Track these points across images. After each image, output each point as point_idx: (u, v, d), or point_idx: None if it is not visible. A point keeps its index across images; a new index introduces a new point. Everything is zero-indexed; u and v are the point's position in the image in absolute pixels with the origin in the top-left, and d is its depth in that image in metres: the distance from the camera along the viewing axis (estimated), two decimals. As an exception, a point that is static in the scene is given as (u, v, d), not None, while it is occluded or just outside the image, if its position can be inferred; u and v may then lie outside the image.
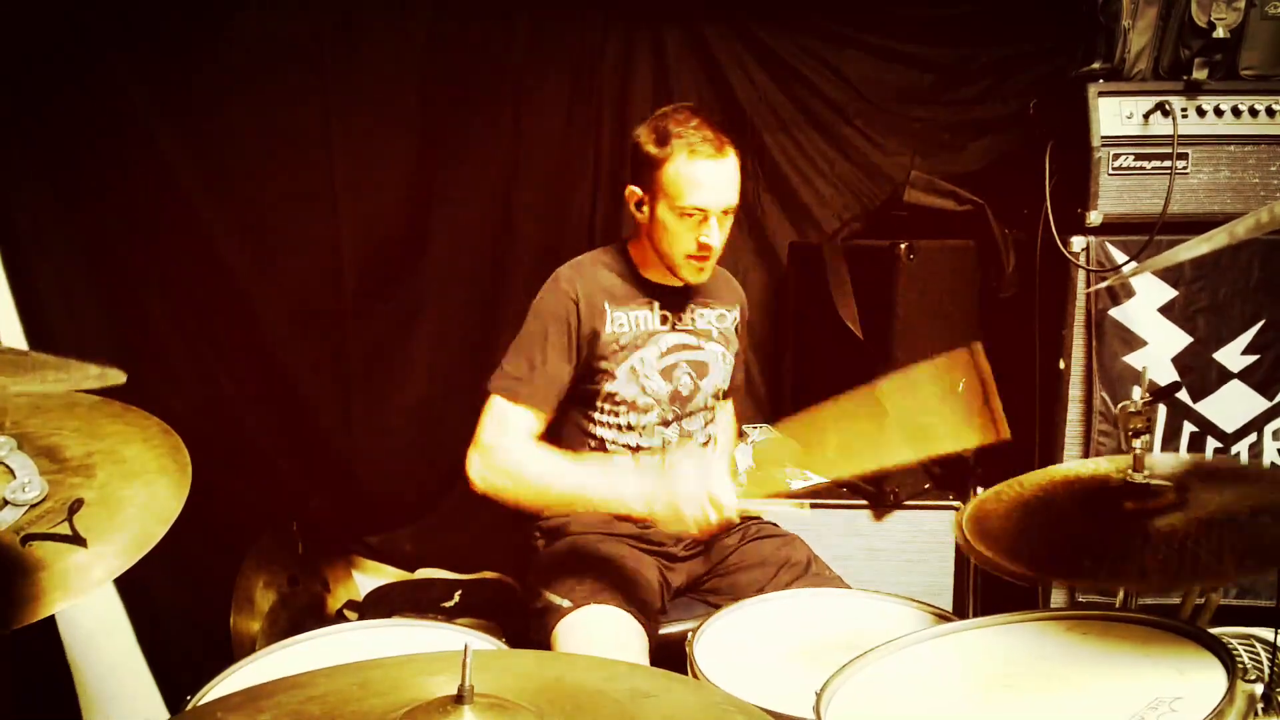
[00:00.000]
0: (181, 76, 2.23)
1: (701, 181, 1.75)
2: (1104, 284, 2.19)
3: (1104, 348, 2.26)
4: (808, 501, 1.75)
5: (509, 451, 1.73)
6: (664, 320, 1.89)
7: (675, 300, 1.91)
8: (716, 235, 1.79)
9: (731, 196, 1.79)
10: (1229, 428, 2.29)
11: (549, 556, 1.86)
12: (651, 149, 1.79)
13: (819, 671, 1.23)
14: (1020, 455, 2.36)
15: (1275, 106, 2.18)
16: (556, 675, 0.99)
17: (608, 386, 1.84)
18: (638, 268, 1.90)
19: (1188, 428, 2.30)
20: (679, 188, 1.76)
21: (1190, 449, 2.30)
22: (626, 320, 1.85)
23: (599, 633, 1.66)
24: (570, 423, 1.90)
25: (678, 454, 1.62)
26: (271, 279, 2.39)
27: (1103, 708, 1.11)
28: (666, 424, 1.89)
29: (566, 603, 1.71)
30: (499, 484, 1.71)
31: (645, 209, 1.83)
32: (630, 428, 1.88)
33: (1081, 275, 2.25)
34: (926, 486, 2.47)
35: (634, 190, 1.85)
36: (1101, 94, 2.21)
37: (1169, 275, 2.23)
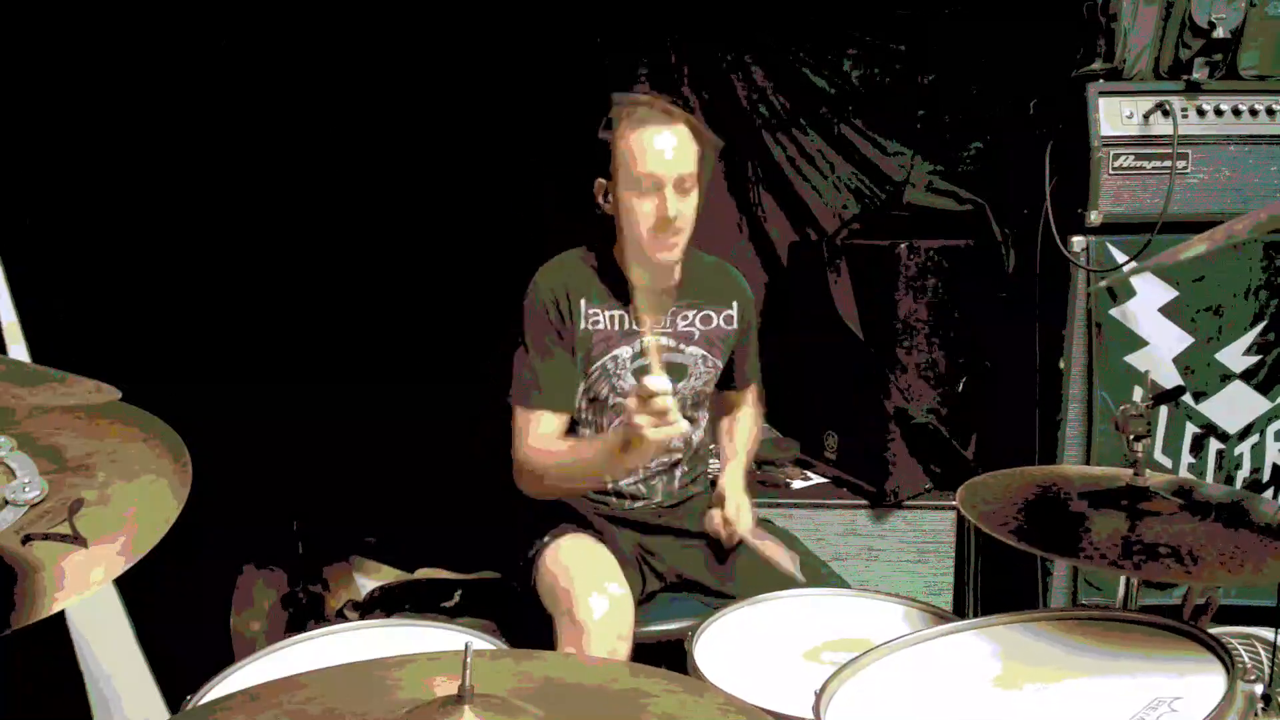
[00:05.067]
0: (180, 73, 2.23)
1: (647, 148, 1.73)
2: (1103, 283, 2.19)
3: (1104, 348, 2.26)
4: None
5: (529, 457, 1.80)
6: (640, 321, 1.85)
7: (656, 301, 1.88)
8: (672, 205, 1.74)
9: (682, 165, 1.75)
10: (1231, 428, 2.29)
11: (532, 532, 1.90)
12: (604, 132, 1.78)
13: (819, 671, 1.23)
14: (1021, 457, 2.36)
15: (1275, 106, 2.18)
16: (557, 675, 0.99)
17: (581, 385, 1.85)
18: (619, 267, 1.87)
19: (1190, 429, 2.29)
20: (628, 160, 1.75)
21: (1192, 450, 2.30)
22: (602, 317, 1.85)
23: (576, 555, 1.78)
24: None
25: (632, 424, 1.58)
26: (271, 277, 2.39)
27: (1103, 708, 1.11)
28: None
29: (546, 538, 1.82)
30: (536, 489, 1.83)
31: (611, 197, 1.83)
32: (605, 430, 1.88)
33: (1081, 275, 2.25)
34: (927, 487, 2.47)
35: (600, 183, 1.85)
36: (1102, 94, 2.21)
37: (1169, 275, 2.23)
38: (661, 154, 1.73)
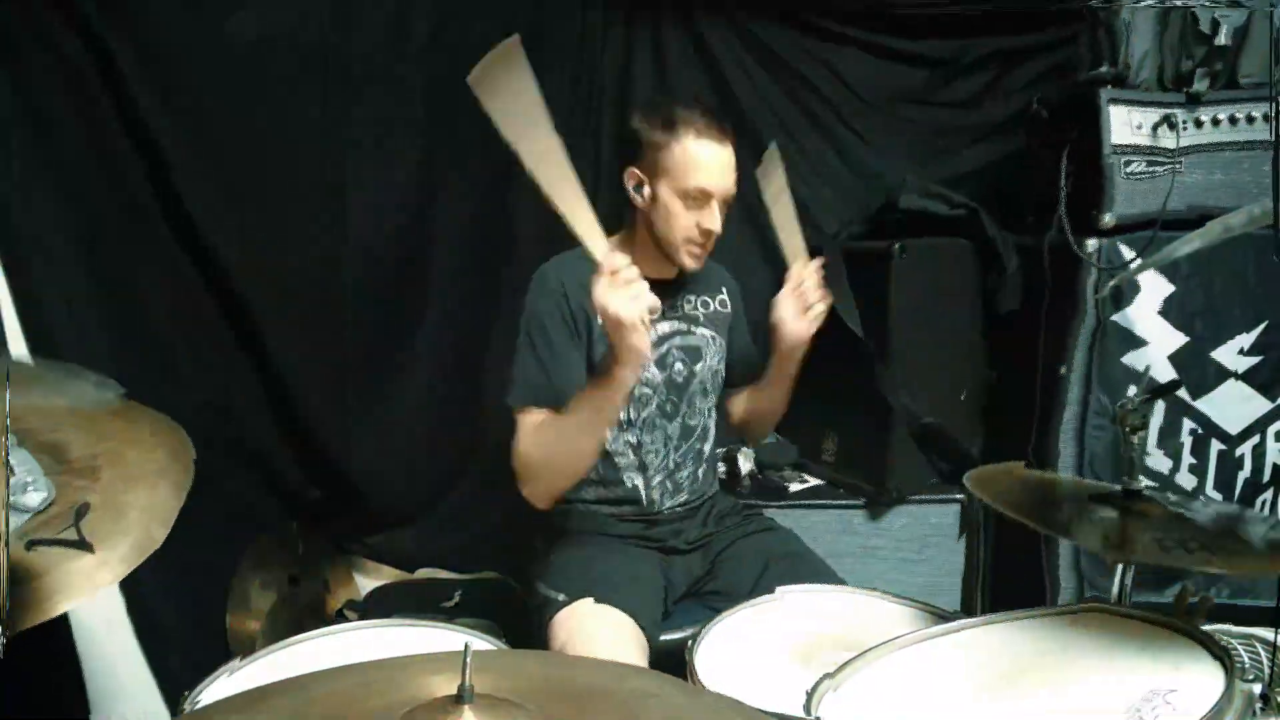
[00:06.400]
0: (183, 71, 2.23)
1: (707, 164, 1.76)
2: (1111, 283, 2.18)
3: (1105, 350, 2.25)
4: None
5: (528, 455, 1.72)
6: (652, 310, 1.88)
7: (663, 292, 1.88)
8: (717, 220, 1.80)
9: (731, 185, 1.81)
10: (1233, 429, 2.28)
11: (547, 553, 1.88)
12: (657, 132, 1.79)
13: (819, 672, 1.24)
14: (1019, 456, 2.36)
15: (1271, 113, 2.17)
16: (557, 675, 0.99)
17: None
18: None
19: (1187, 424, 2.29)
20: (684, 169, 1.76)
21: (1193, 450, 2.29)
22: None
23: (593, 626, 1.66)
24: None
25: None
26: (272, 279, 2.39)
27: (1099, 703, 1.12)
28: (667, 415, 1.91)
29: (561, 597, 1.72)
30: (542, 490, 1.72)
31: (646, 191, 1.82)
32: (630, 423, 1.88)
33: (1091, 280, 2.24)
34: (933, 483, 2.47)
35: (634, 172, 1.83)
36: (1111, 101, 2.19)
37: (1166, 271, 2.23)
38: (717, 170, 1.77)
